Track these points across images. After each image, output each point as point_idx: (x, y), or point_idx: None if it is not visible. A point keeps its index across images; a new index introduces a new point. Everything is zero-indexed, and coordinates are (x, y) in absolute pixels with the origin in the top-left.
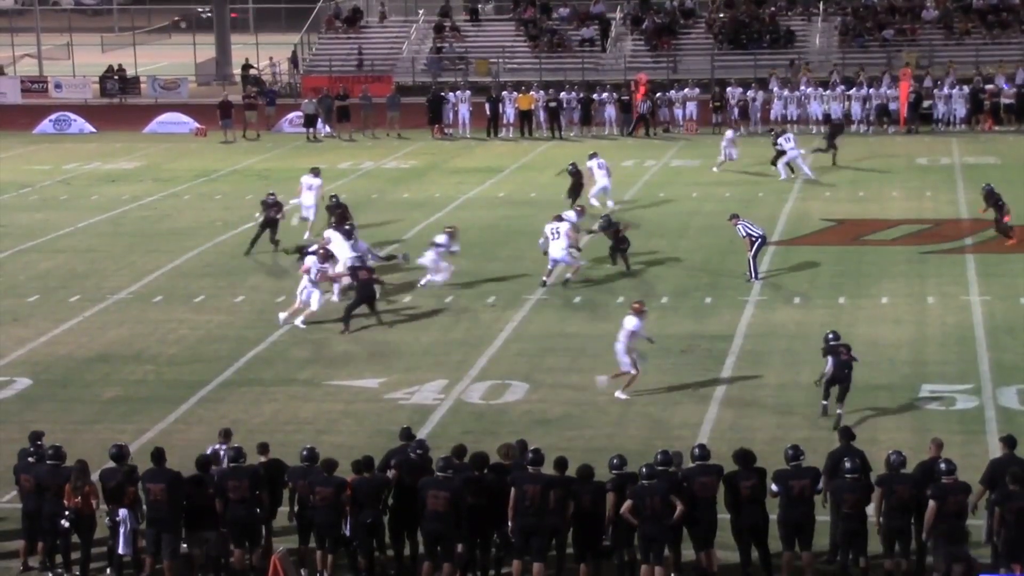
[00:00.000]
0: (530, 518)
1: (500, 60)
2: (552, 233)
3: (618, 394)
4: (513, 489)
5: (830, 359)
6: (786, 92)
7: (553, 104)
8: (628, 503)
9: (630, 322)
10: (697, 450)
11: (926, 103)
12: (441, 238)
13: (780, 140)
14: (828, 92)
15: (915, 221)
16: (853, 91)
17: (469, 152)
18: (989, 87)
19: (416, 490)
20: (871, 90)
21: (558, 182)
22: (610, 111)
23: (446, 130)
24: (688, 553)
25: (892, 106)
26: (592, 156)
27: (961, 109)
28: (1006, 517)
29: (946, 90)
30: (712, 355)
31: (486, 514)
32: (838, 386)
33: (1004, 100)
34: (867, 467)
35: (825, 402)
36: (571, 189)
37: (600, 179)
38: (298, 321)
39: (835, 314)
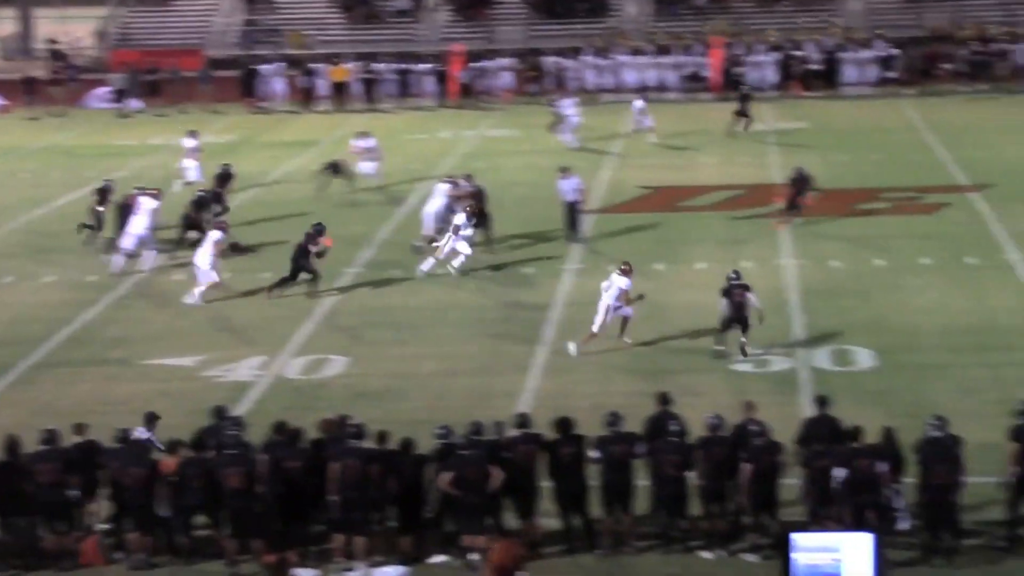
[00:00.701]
0: (351, 492)
1: (314, 32)
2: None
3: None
4: (334, 464)
5: (725, 301)
6: (601, 61)
7: (368, 76)
8: (449, 474)
9: (622, 281)
10: (518, 418)
11: (738, 70)
12: (460, 219)
13: (559, 104)
14: (643, 60)
15: (729, 187)
16: (667, 58)
17: (284, 125)
18: (798, 53)
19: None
20: (684, 57)
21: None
22: (427, 82)
23: (260, 103)
24: (512, 522)
25: (704, 73)
26: (361, 135)
27: (772, 75)
28: (814, 476)
29: (757, 57)
30: (532, 324)
31: (305, 489)
32: (739, 325)
33: (813, 66)
34: (684, 430)
35: (719, 347)
36: (332, 171)
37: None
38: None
39: (653, 280)
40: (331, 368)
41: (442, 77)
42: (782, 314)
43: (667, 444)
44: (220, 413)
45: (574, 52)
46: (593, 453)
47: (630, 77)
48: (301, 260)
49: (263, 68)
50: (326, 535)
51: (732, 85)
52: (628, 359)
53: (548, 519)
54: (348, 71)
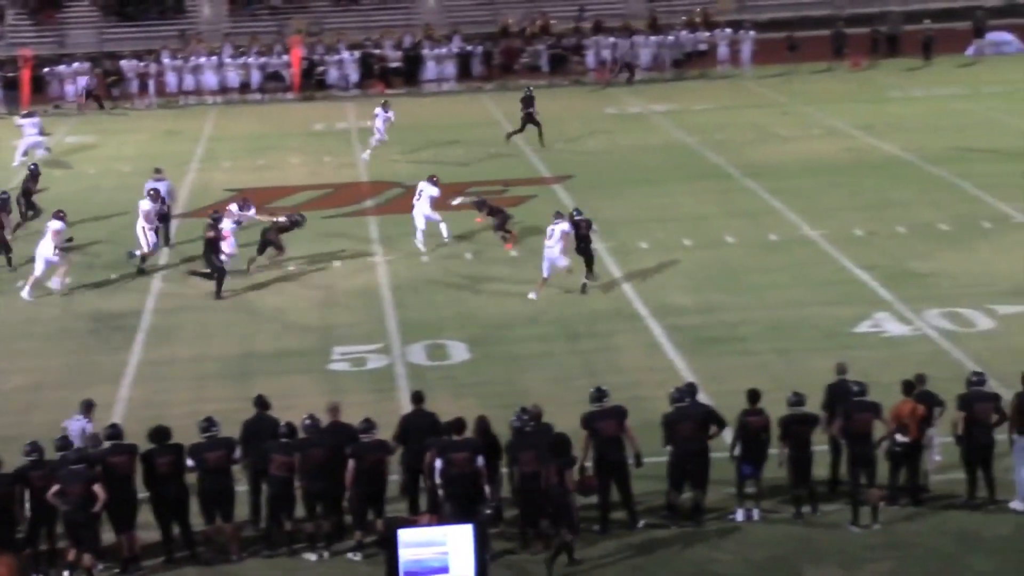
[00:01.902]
0: None
1: None
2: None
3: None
4: None
5: (572, 231)
6: (179, 63)
7: None
8: (56, 487)
9: (564, 225)
10: (109, 430)
11: (319, 69)
12: (434, 190)
13: (23, 122)
14: (223, 61)
15: (316, 186)
16: (247, 59)
17: None
18: (378, 52)
19: None
20: (263, 58)
21: None
22: None
23: None
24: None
25: (285, 73)
26: None
27: (354, 74)
28: (413, 471)
29: (338, 56)
30: (122, 332)
31: None
32: (584, 258)
33: (393, 64)
34: (295, 431)
35: (585, 280)
36: None
37: None
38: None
39: (245, 283)
40: None
41: (11, 83)
42: (376, 311)
43: (273, 445)
44: None
45: (151, 55)
46: (190, 461)
47: (210, 79)
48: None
49: None
50: None
51: (316, 84)
52: (221, 365)
53: (147, 531)
54: None
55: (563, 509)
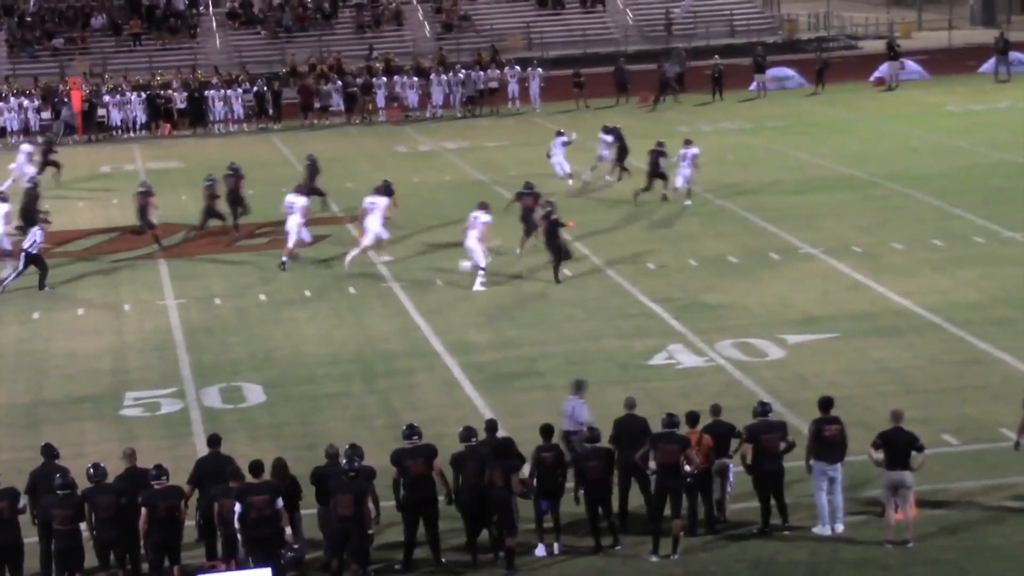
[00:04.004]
0: None
1: None
2: None
3: None
4: None
5: (650, 158)
6: None
7: None
8: None
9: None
10: None
11: (103, 111)
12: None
13: None
14: (3, 105)
15: (104, 230)
16: (25, 102)
17: None
18: (165, 92)
19: None
20: (36, 102)
21: None
22: None
23: None
24: None
25: (65, 114)
26: None
27: (141, 115)
28: (209, 514)
29: (123, 97)
30: None
31: None
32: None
33: (179, 105)
34: (73, 483)
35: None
36: None
37: None
38: None
39: (31, 329)
40: None
41: None
42: (169, 355)
43: (55, 498)
44: None
45: None
46: None
47: None
48: None
49: None
50: None
51: (99, 126)
52: (8, 413)
53: None
54: None
55: (505, 512)
